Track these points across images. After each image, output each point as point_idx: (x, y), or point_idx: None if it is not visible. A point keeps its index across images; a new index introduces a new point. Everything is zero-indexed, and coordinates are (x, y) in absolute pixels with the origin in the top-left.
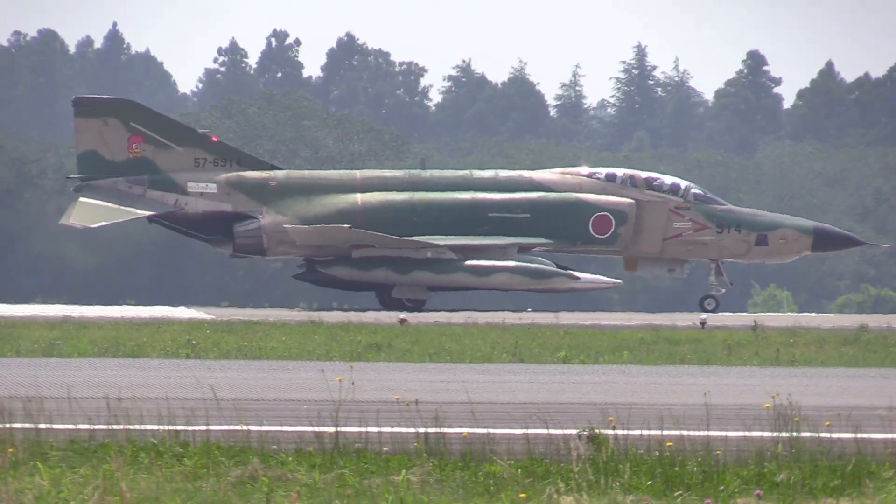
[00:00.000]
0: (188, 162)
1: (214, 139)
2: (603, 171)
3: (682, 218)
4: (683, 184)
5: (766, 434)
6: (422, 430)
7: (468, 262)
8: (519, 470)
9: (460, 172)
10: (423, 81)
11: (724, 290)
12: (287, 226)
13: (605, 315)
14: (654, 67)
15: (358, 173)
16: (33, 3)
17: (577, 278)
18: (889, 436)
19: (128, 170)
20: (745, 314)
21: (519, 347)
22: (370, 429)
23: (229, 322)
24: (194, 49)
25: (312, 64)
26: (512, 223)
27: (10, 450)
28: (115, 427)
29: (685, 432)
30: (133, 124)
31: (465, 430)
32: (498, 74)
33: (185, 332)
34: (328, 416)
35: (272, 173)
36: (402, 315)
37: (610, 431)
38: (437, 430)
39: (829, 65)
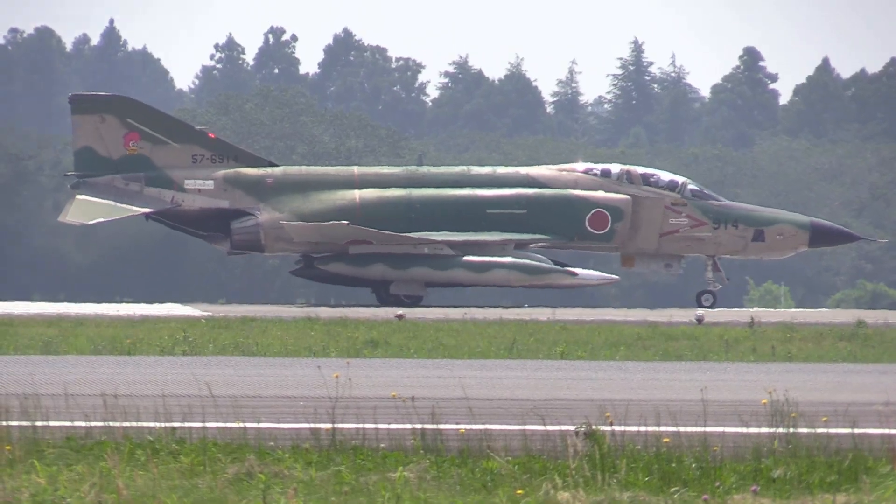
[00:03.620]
0: (185, 159)
1: (211, 136)
2: (599, 167)
3: (679, 214)
4: (680, 180)
5: (763, 430)
6: (419, 426)
7: (465, 258)
8: (516, 466)
9: (457, 169)
10: (420, 77)
11: (720, 286)
12: (284, 222)
13: (602, 311)
14: (651, 63)
15: (356, 170)
16: (30, 1)
17: (575, 274)
18: (886, 431)
19: (125, 167)
20: (742, 310)
21: (516, 343)
22: (367, 425)
23: (226, 318)
24: (191, 46)
25: (309, 60)
26: (509, 219)
27: (7, 447)
28: (111, 424)
29: (682, 428)
30: (130, 121)
31: (462, 427)
32: (495, 70)
33: (181, 328)
34: (325, 412)
35: (269, 170)
36: (400, 311)
37: (607, 427)
38: (434, 426)
39: (826, 60)
